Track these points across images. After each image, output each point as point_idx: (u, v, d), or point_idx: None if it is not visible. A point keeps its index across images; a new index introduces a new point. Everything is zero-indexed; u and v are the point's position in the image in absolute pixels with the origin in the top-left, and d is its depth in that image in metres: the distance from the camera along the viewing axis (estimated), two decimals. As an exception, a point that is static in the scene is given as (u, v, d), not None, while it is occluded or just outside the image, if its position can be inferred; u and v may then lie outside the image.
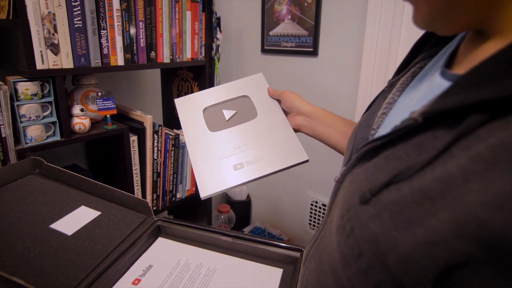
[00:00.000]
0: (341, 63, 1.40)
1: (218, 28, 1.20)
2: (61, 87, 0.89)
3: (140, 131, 1.12)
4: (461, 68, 0.30)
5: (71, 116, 0.95)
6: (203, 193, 0.57)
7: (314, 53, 1.46)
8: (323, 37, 1.42)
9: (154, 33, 1.06)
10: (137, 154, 1.13)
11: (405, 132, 0.27)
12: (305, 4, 1.43)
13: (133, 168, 1.13)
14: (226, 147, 0.62)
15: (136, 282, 0.52)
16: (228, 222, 1.66)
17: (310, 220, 1.64)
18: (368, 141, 0.34)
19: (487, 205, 0.19)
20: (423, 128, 0.26)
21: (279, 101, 0.69)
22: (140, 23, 1.01)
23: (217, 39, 1.20)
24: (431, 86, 0.32)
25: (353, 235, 0.28)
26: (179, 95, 1.35)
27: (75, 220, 0.59)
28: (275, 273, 0.55)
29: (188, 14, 1.14)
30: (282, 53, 1.56)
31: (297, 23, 1.47)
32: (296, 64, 1.53)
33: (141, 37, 1.03)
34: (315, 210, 1.60)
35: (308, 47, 1.47)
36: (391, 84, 0.43)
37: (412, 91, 0.37)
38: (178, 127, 1.38)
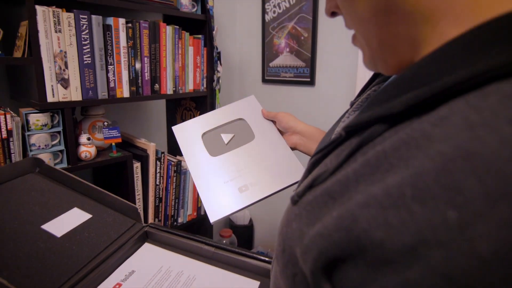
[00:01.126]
0: (336, 93, 1.41)
1: (218, 62, 1.24)
2: (70, 118, 0.92)
3: (143, 158, 1.14)
4: None
5: (78, 144, 0.97)
6: (213, 218, 0.57)
7: (311, 83, 1.48)
8: (319, 68, 1.45)
9: (158, 67, 1.10)
10: (140, 180, 1.14)
11: (336, 145, 0.30)
12: (302, 38, 1.47)
13: (136, 193, 1.13)
14: (229, 170, 0.62)
15: (117, 286, 0.52)
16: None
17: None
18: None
19: (361, 203, 0.21)
20: (346, 139, 0.29)
21: (273, 122, 0.70)
22: (145, 58, 1.06)
23: (218, 71, 1.24)
24: None
25: (281, 233, 0.30)
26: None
27: (66, 222, 0.60)
28: (253, 285, 0.56)
29: (191, 49, 1.18)
30: (282, 83, 1.59)
31: (295, 55, 1.51)
32: (295, 93, 1.56)
33: (146, 71, 1.06)
34: (315, 235, 1.57)
35: (306, 77, 1.50)
36: (351, 104, 0.45)
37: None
38: (181, 153, 1.40)
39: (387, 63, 0.31)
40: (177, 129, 0.71)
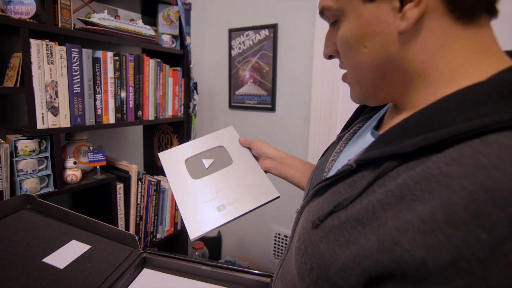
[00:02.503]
0: (294, 117, 1.55)
1: (195, 91, 1.29)
2: (58, 144, 0.89)
3: (126, 179, 1.13)
4: (384, 130, 0.36)
5: (64, 168, 0.94)
6: (193, 235, 0.58)
7: (272, 109, 1.60)
8: (279, 97, 1.58)
9: (142, 96, 1.12)
10: (123, 200, 1.13)
11: (345, 175, 0.32)
12: (264, 71, 1.59)
13: (119, 213, 1.11)
14: (209, 191, 0.64)
15: None
16: (202, 257, 1.64)
17: (275, 250, 1.67)
18: (319, 181, 0.39)
19: (399, 228, 0.23)
20: (356, 171, 0.31)
21: (249, 148, 0.73)
22: (130, 88, 1.07)
23: (194, 99, 1.29)
24: (364, 141, 0.39)
25: (307, 253, 0.31)
26: (159, 146, 1.39)
27: (67, 254, 0.58)
28: None
29: (170, 80, 1.22)
30: (246, 109, 1.69)
31: (258, 85, 1.63)
32: (258, 118, 1.66)
33: (130, 99, 1.08)
34: (279, 241, 1.65)
35: (268, 104, 1.61)
36: (339, 138, 0.48)
37: (352, 144, 0.42)
38: (158, 173, 1.40)
39: (377, 100, 0.35)
40: (163, 155, 0.72)
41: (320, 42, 1.39)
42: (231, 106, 1.74)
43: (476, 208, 0.20)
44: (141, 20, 1.08)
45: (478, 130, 0.23)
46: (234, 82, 1.71)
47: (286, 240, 1.62)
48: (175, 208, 1.34)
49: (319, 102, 1.44)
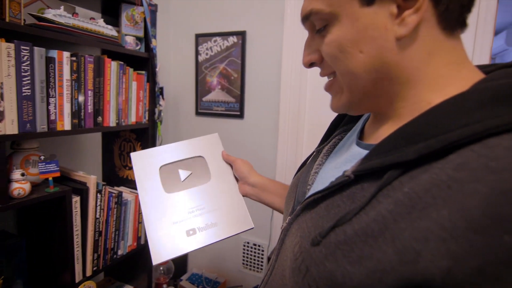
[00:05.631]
0: (262, 124, 1.55)
1: (161, 96, 1.24)
2: (3, 154, 0.79)
3: (83, 191, 1.03)
4: (370, 140, 0.37)
5: (9, 181, 0.83)
6: (156, 260, 0.54)
7: (240, 116, 1.60)
8: (248, 104, 1.58)
9: (102, 100, 1.04)
10: (79, 214, 1.02)
11: (340, 187, 0.31)
12: (232, 78, 1.58)
13: (74, 229, 1.01)
14: (180, 211, 0.60)
15: None
16: (167, 273, 1.55)
17: (244, 260, 1.65)
18: (309, 194, 0.37)
19: (418, 238, 0.22)
20: (353, 183, 0.30)
21: (231, 165, 0.69)
22: (89, 91, 0.99)
23: (160, 105, 1.23)
24: (351, 153, 0.38)
25: (310, 274, 0.29)
26: (121, 155, 1.30)
27: None
28: None
29: (134, 84, 1.16)
30: (214, 116, 1.66)
31: (226, 92, 1.61)
32: (226, 125, 1.64)
33: (89, 103, 1.00)
34: (248, 250, 1.63)
35: (236, 111, 1.60)
36: (318, 151, 0.47)
37: (336, 156, 0.42)
38: (119, 184, 1.31)
39: (361, 108, 0.35)
40: (136, 156, 0.66)
41: (289, 50, 1.42)
42: (197, 113, 1.70)
43: (495, 212, 0.20)
44: (102, 20, 1.01)
45: (478, 135, 0.23)
46: (201, 88, 1.67)
47: (255, 249, 1.61)
48: (138, 221, 1.26)
49: (288, 109, 1.46)
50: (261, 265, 1.60)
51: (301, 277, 0.30)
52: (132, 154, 0.66)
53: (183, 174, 0.65)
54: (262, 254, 1.59)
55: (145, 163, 0.65)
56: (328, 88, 0.38)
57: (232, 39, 1.55)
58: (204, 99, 1.67)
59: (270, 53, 1.48)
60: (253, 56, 1.53)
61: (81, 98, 0.97)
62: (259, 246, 1.59)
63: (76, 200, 1.01)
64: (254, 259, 1.62)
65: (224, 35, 1.56)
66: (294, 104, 1.45)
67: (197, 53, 1.64)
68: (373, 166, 0.28)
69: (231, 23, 1.55)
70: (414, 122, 0.28)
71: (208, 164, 0.68)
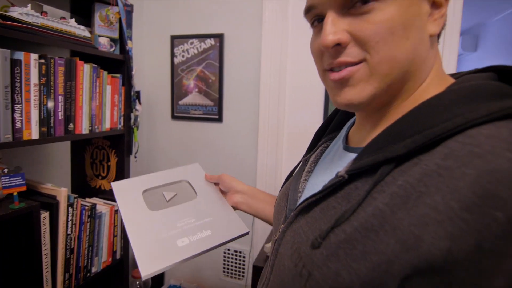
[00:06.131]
0: (242, 128, 1.54)
1: (137, 100, 1.18)
2: (-40, 168, 0.70)
3: (52, 206, 0.95)
4: (358, 145, 0.39)
5: (-33, 199, 0.74)
6: (145, 272, 0.50)
7: (219, 120, 1.57)
8: (227, 107, 1.56)
9: (74, 106, 0.96)
10: (48, 232, 0.94)
11: (333, 189, 0.32)
12: (210, 81, 1.56)
13: (43, 248, 0.92)
14: (168, 224, 0.57)
15: None
16: (144, 286, 1.48)
17: (224, 267, 1.62)
18: (301, 199, 0.38)
19: (417, 224, 0.24)
20: (346, 183, 0.31)
21: (216, 184, 0.69)
22: (59, 96, 0.92)
23: (136, 110, 1.17)
24: (340, 157, 0.39)
25: (312, 278, 0.29)
26: (93, 163, 1.22)
27: None
28: None
29: (108, 88, 1.09)
30: (191, 120, 1.62)
31: (204, 95, 1.58)
32: (204, 129, 1.60)
33: (59, 110, 0.92)
34: (229, 258, 1.60)
35: (214, 114, 1.57)
36: (305, 160, 0.48)
37: (324, 163, 0.43)
38: (92, 195, 1.22)
39: (372, 103, 0.32)
40: (116, 185, 0.63)
41: (267, 52, 1.43)
42: (174, 117, 1.64)
43: (484, 190, 0.22)
44: (73, 20, 0.94)
45: (460, 127, 0.26)
46: (177, 91, 1.62)
47: (236, 256, 1.59)
48: (113, 235, 1.19)
49: (267, 112, 1.47)
50: (243, 273, 1.59)
51: (303, 283, 0.30)
52: (113, 184, 0.63)
53: (167, 195, 0.63)
54: (244, 261, 1.57)
55: (126, 190, 0.62)
56: (348, 76, 0.32)
57: (210, 42, 1.52)
58: (180, 102, 1.62)
59: (248, 56, 1.48)
60: (232, 58, 1.51)
61: (50, 104, 0.89)
62: (240, 252, 1.57)
63: (44, 216, 0.92)
64: (236, 267, 1.60)
65: (201, 37, 1.53)
66: (274, 107, 1.45)
67: (172, 55, 1.59)
68: (367, 164, 0.29)
69: (208, 25, 1.52)
70: (399, 122, 0.30)
71: (193, 185, 0.67)
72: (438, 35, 0.34)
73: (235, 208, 0.65)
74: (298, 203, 0.37)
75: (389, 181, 0.28)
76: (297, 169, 0.49)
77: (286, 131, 1.50)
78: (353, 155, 0.36)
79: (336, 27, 0.32)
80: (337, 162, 0.39)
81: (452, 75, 0.37)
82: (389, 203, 0.26)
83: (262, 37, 1.43)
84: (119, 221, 1.20)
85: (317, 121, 1.42)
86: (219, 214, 0.62)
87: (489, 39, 3.11)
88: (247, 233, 0.61)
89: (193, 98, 1.60)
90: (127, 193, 0.62)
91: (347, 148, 0.39)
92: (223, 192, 0.68)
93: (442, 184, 0.24)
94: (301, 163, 0.49)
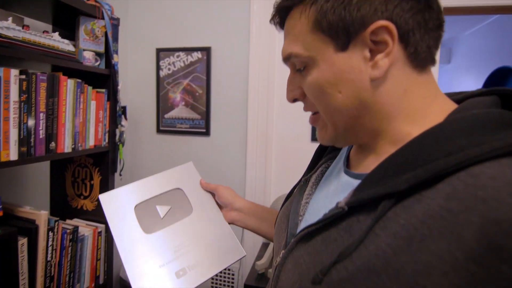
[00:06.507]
0: (230, 142, 1.53)
1: (123, 116, 1.14)
2: None
3: (31, 231, 0.88)
4: (358, 169, 0.38)
5: None
6: None
7: (206, 133, 1.55)
8: (214, 121, 1.54)
9: (56, 124, 0.92)
10: (26, 259, 0.87)
11: (334, 219, 0.32)
12: (197, 94, 1.54)
13: (20, 278, 0.86)
14: (165, 251, 0.56)
15: None
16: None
17: (213, 285, 1.57)
18: (302, 226, 0.38)
19: (421, 273, 0.23)
20: (347, 214, 0.31)
21: (211, 193, 0.67)
22: (41, 114, 0.87)
23: (122, 125, 1.13)
24: (341, 183, 0.39)
25: None
26: (74, 182, 1.16)
27: None
28: None
29: (93, 104, 1.05)
30: (178, 133, 1.58)
31: (191, 108, 1.56)
32: (191, 143, 1.58)
33: (40, 128, 0.87)
34: (217, 275, 1.56)
35: (201, 128, 1.55)
36: (306, 180, 0.48)
37: (325, 185, 0.43)
38: (72, 216, 1.16)
39: (347, 142, 0.37)
40: (105, 198, 0.60)
41: (255, 65, 1.43)
42: (159, 131, 1.60)
43: (490, 241, 0.22)
44: (57, 33, 0.90)
45: (462, 164, 0.25)
46: (163, 104, 1.59)
47: (226, 274, 1.55)
48: (96, 258, 1.12)
49: (256, 125, 1.46)
50: (232, 290, 1.55)
51: None
52: (101, 196, 0.60)
53: (161, 210, 0.61)
54: (233, 279, 1.54)
55: (117, 204, 0.59)
56: (313, 122, 0.40)
57: (197, 55, 1.51)
58: (166, 116, 1.59)
59: (236, 69, 1.48)
60: (219, 72, 1.50)
61: (31, 122, 0.84)
62: (229, 270, 1.54)
63: (23, 242, 0.86)
64: (224, 284, 1.55)
65: (188, 50, 1.51)
66: (262, 120, 1.45)
67: (158, 68, 1.56)
68: (367, 197, 0.29)
69: (195, 39, 1.51)
70: (399, 153, 0.30)
71: (188, 196, 0.65)
72: (425, 63, 0.33)
73: (230, 224, 0.64)
74: (299, 230, 0.37)
75: (391, 216, 0.27)
76: (297, 189, 0.48)
77: (274, 144, 1.50)
78: (353, 181, 0.36)
79: (292, 85, 0.39)
80: (337, 188, 0.39)
81: (456, 94, 0.37)
82: (392, 244, 0.26)
83: (250, 50, 1.43)
84: (102, 244, 1.14)
85: (306, 133, 1.43)
86: (217, 235, 0.60)
87: (462, 52, 3.30)
88: (244, 256, 0.60)
89: (179, 111, 1.57)
90: (117, 207, 0.59)
91: (348, 172, 0.39)
92: (219, 205, 0.66)
93: (446, 229, 0.23)
94: (302, 182, 0.48)
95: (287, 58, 0.37)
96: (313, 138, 1.42)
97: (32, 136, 0.85)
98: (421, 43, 0.32)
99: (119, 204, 0.59)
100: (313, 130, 1.43)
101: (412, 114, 0.33)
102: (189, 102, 1.55)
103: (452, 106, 0.34)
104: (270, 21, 0.40)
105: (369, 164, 0.36)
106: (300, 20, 0.34)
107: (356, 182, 0.35)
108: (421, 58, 0.32)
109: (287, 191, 1.39)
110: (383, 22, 0.30)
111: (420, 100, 0.33)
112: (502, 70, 1.83)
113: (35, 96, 0.85)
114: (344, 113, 0.34)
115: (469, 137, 0.26)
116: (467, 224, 0.23)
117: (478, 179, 0.24)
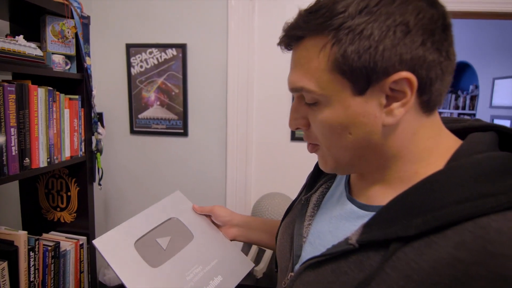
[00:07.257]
0: (210, 142, 1.51)
1: (99, 123, 1.08)
2: None
3: (11, 254, 0.83)
4: (361, 198, 0.40)
5: None
6: None
7: (184, 134, 1.52)
8: (192, 121, 1.51)
9: (28, 138, 0.85)
10: (8, 283, 0.83)
11: (344, 253, 0.33)
12: (173, 93, 1.49)
13: (3, 304, 0.81)
14: (178, 280, 0.55)
15: None
16: (113, 319, 1.39)
17: None
18: (310, 256, 0.39)
19: None
20: (357, 250, 0.32)
21: (206, 215, 0.67)
22: (12, 129, 0.80)
23: (99, 133, 1.08)
24: (345, 210, 0.40)
25: None
26: (48, 193, 1.09)
27: None
28: None
29: (67, 112, 0.98)
30: (153, 134, 1.54)
31: (167, 108, 1.51)
32: (168, 144, 1.54)
33: (12, 144, 0.81)
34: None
35: (179, 128, 1.52)
36: (306, 199, 0.48)
37: (327, 208, 0.44)
38: (48, 229, 1.10)
39: (348, 172, 0.38)
40: (100, 243, 0.57)
41: (234, 63, 1.42)
42: (133, 131, 1.54)
43: None
44: (22, 36, 0.83)
45: (470, 215, 0.27)
46: (136, 104, 1.52)
47: None
48: (80, 271, 1.09)
49: (236, 124, 1.47)
50: None
51: None
52: (95, 242, 0.57)
53: (163, 242, 0.60)
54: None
55: (114, 246, 0.58)
56: (312, 150, 0.40)
57: (171, 52, 1.46)
58: (140, 116, 1.53)
59: (214, 67, 1.45)
60: (196, 70, 1.47)
61: (1, 139, 0.78)
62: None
63: (3, 266, 0.81)
64: None
65: (162, 46, 1.45)
66: (242, 119, 1.46)
67: (129, 65, 1.48)
68: (378, 239, 0.31)
69: (169, 35, 1.45)
70: (408, 194, 0.32)
71: (184, 223, 0.65)
72: (434, 107, 0.34)
73: (232, 240, 0.66)
74: (307, 257, 0.39)
75: (401, 256, 0.29)
76: (298, 207, 0.49)
77: (255, 144, 1.52)
78: (358, 211, 0.38)
79: (296, 113, 0.39)
80: (341, 214, 0.40)
81: (455, 122, 0.40)
82: (405, 287, 0.28)
83: (228, 48, 1.42)
84: (85, 256, 1.10)
85: (286, 133, 1.47)
86: (223, 253, 0.62)
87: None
88: (254, 267, 0.62)
89: (154, 111, 1.52)
90: (116, 249, 0.57)
91: (352, 200, 0.40)
92: (216, 225, 0.67)
93: (457, 279, 0.26)
94: (302, 201, 0.49)
95: (297, 90, 0.36)
96: (293, 138, 1.46)
97: (4, 154, 0.79)
98: (435, 92, 0.33)
99: (117, 245, 0.57)
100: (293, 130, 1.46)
101: (418, 154, 0.34)
102: (165, 101, 1.51)
103: (455, 143, 0.36)
104: (278, 44, 0.38)
105: (375, 195, 0.37)
106: (317, 56, 0.33)
107: (361, 213, 0.37)
108: (433, 104, 0.34)
109: (267, 191, 1.43)
110: (406, 74, 0.31)
111: (426, 140, 0.35)
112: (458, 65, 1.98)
113: (4, 110, 0.78)
114: (350, 152, 0.35)
115: (475, 186, 0.28)
116: (477, 276, 0.25)
117: (486, 231, 0.26)
